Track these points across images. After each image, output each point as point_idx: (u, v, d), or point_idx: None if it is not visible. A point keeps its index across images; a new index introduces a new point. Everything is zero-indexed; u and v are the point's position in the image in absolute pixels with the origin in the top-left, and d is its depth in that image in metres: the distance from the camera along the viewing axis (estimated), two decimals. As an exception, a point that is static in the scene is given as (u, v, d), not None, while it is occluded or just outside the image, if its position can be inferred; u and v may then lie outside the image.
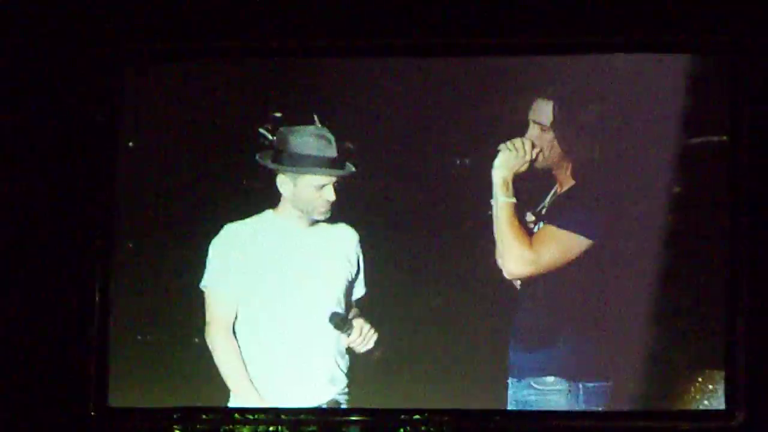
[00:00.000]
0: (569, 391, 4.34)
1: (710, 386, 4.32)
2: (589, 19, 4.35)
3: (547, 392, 4.34)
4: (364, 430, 4.29)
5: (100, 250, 4.37)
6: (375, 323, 4.32)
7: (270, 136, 4.32)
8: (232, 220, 4.33)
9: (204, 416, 4.31)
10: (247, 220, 4.33)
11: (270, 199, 4.33)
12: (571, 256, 4.30)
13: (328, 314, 4.28)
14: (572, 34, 4.37)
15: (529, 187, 4.35)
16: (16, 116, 4.37)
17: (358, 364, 4.33)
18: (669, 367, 4.33)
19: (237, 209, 4.34)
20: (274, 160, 4.30)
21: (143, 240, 4.40)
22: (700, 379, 4.34)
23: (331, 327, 4.28)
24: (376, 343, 4.30)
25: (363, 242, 4.36)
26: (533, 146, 4.32)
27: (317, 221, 4.32)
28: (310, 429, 4.28)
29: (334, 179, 4.28)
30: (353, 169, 4.30)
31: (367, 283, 4.37)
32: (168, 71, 4.48)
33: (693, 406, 4.30)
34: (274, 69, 4.47)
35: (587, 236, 4.30)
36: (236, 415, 4.30)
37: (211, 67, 4.47)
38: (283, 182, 4.31)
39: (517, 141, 4.32)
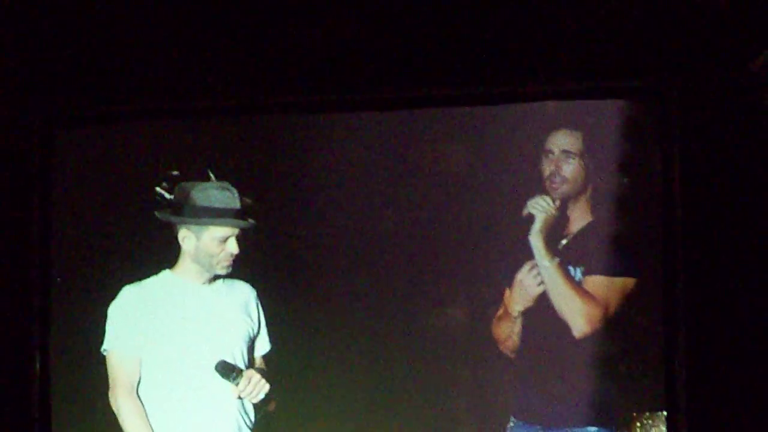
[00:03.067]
0: None
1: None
2: (518, 69, 4.21)
3: None
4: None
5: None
6: (283, 379, 4.28)
7: (168, 195, 4.25)
8: (129, 282, 4.26)
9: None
10: (145, 281, 4.26)
11: (167, 259, 4.27)
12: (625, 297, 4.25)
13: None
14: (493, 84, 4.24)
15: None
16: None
17: (265, 423, 4.27)
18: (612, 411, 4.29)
19: (134, 271, 4.27)
20: (176, 215, 4.24)
21: (52, 304, 4.33)
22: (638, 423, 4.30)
23: (219, 376, 4.17)
24: (268, 394, 4.20)
25: (263, 297, 4.32)
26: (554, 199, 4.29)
27: (215, 278, 4.27)
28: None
29: (237, 232, 4.23)
30: (255, 222, 4.26)
31: (271, 339, 4.34)
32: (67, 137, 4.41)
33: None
34: (172, 128, 4.42)
35: (633, 276, 4.22)
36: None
37: (107, 130, 4.41)
38: (186, 237, 4.24)
39: (542, 199, 4.26)
